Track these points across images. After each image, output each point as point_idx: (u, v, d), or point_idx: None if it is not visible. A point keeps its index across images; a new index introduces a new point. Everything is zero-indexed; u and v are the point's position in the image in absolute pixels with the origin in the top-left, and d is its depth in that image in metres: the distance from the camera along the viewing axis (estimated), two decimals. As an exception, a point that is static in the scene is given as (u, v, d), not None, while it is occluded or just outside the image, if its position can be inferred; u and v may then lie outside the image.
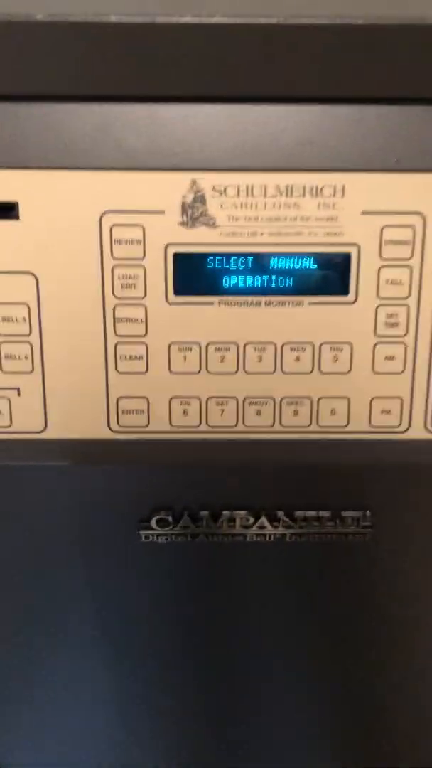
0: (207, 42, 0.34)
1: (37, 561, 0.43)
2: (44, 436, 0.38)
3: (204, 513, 0.42)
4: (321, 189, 0.35)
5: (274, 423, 0.38)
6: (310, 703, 0.49)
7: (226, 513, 0.42)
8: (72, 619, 0.45)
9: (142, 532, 0.43)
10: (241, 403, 0.38)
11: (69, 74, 0.33)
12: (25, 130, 0.34)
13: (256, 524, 0.42)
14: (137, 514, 0.42)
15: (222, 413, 0.38)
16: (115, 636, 0.46)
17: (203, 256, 0.36)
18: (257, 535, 0.43)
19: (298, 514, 0.42)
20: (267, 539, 0.42)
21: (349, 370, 0.37)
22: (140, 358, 0.37)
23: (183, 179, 0.35)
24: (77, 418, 0.38)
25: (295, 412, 0.38)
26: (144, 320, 0.37)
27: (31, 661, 0.46)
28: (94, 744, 0.49)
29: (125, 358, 0.37)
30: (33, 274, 0.36)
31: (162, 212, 0.35)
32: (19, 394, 0.37)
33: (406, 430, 0.39)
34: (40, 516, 0.41)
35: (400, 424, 0.39)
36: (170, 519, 0.42)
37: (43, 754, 0.50)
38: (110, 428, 0.38)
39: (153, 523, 0.42)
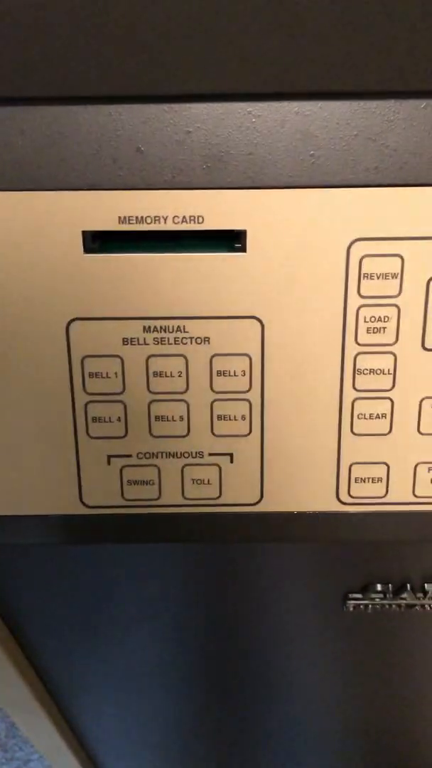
0: None
1: (239, 632, 0.37)
2: (259, 509, 0.31)
3: (430, 587, 0.35)
4: None
5: None
6: None
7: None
8: (271, 687, 0.39)
9: (350, 602, 0.36)
10: None
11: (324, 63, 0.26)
12: (259, 138, 0.26)
13: None
14: (346, 585, 0.36)
15: None
16: (312, 706, 0.41)
17: (472, 291, 0.28)
18: None
19: None
20: None
21: None
22: (383, 416, 0.30)
23: (459, 195, 0.27)
24: (300, 488, 0.31)
25: None
26: (392, 371, 0.29)
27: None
28: None
29: (364, 416, 0.30)
30: (258, 319, 0.29)
31: (428, 238, 0.27)
32: (231, 461, 0.31)
33: None
34: (246, 591, 0.35)
35: None
36: (388, 591, 0.36)
37: None
38: (339, 499, 0.31)
39: (365, 593, 0.36)
